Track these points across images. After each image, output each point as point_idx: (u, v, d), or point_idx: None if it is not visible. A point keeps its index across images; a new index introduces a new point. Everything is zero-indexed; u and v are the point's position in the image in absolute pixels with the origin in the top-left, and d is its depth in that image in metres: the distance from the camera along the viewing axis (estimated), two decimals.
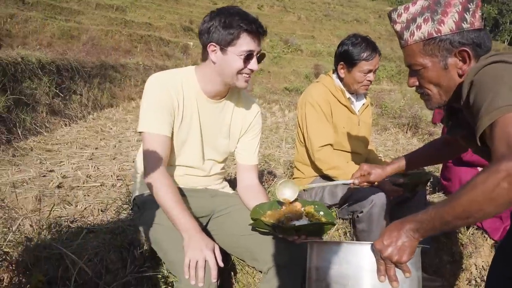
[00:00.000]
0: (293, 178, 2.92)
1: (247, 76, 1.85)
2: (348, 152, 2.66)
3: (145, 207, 2.00)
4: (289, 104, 11.78)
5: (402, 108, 10.78)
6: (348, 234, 2.68)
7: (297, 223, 1.73)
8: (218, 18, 1.78)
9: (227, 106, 2.06)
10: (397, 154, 6.13)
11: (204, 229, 2.06)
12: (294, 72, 26.04)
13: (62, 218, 2.69)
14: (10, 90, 5.61)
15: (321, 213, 1.81)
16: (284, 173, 4.17)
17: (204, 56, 1.88)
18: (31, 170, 4.04)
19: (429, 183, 3.51)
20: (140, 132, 1.90)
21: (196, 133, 2.00)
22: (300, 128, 2.70)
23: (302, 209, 1.80)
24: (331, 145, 2.56)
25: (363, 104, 2.75)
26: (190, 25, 24.98)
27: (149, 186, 1.82)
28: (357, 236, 2.47)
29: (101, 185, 3.69)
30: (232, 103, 2.08)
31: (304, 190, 2.77)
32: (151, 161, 1.83)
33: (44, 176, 3.95)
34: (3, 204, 3.22)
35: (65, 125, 6.52)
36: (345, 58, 2.51)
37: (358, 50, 2.44)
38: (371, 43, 2.47)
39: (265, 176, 4.05)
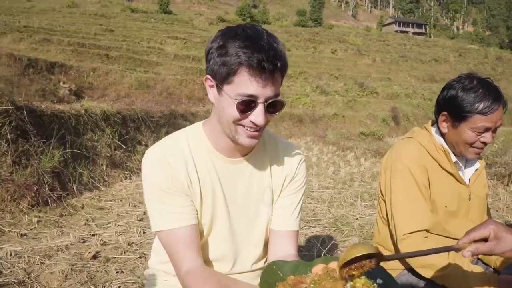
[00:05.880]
0: None
1: (252, 131, 1.23)
2: (453, 238, 1.85)
3: None
4: (365, 151, 10.83)
5: (495, 154, 9.42)
6: None
7: None
8: (218, 40, 1.21)
9: (260, 161, 1.44)
10: (499, 214, 5.05)
11: None
12: (370, 115, 25.06)
13: None
14: (69, 143, 5.43)
15: (379, 281, 1.04)
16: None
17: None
18: (72, 234, 3.64)
19: None
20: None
21: (223, 211, 1.39)
22: (383, 200, 1.95)
23: (344, 272, 1.00)
24: (426, 230, 1.77)
25: (476, 170, 1.94)
26: None
27: None
28: None
29: (139, 257, 3.16)
30: (265, 154, 1.45)
31: None
32: (180, 264, 1.29)
33: (83, 241, 3.53)
34: (27, 279, 2.80)
35: (125, 178, 6.24)
36: (451, 106, 1.75)
37: (471, 98, 1.68)
38: (492, 90, 1.70)
39: (332, 245, 3.29)
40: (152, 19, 44.42)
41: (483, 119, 1.66)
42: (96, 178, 5.66)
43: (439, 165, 1.82)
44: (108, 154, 6.32)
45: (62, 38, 22.07)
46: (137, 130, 7.92)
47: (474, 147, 1.73)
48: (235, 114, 1.20)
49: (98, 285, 2.67)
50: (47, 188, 4.59)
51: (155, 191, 1.32)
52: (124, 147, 6.91)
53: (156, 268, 1.54)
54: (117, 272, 2.88)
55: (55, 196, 4.62)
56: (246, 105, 1.18)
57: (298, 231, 1.49)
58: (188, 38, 34.32)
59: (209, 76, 1.25)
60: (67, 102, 9.63)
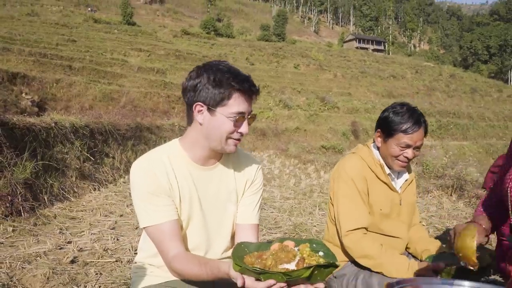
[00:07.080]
0: None
1: (237, 140, 1.65)
2: (386, 235, 2.28)
3: None
4: (325, 164, 11.36)
5: (445, 166, 10.16)
6: None
7: (288, 266, 1.36)
8: (207, 75, 1.59)
9: (226, 168, 1.82)
10: (441, 221, 5.59)
11: None
12: (331, 129, 25.87)
13: None
14: (40, 155, 5.59)
15: (320, 253, 1.43)
16: None
17: (190, 118, 1.68)
18: (48, 241, 3.85)
19: None
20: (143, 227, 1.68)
21: (197, 209, 1.75)
22: (332, 204, 2.37)
23: (296, 249, 1.41)
24: (365, 228, 2.20)
25: (406, 180, 2.39)
26: None
27: (178, 274, 1.65)
28: None
29: (116, 261, 3.43)
30: (230, 163, 1.84)
31: (334, 277, 2.39)
32: (166, 251, 1.62)
33: (60, 248, 3.75)
34: (10, 282, 3.02)
35: (94, 189, 6.42)
36: (383, 125, 2.21)
37: (398, 119, 2.13)
38: (415, 115, 2.15)
39: None
40: (115, 30, 44.15)
41: (405, 137, 2.12)
42: (66, 189, 5.83)
43: (376, 176, 2.25)
44: (77, 166, 6.49)
45: (23, 48, 21.66)
46: (105, 143, 8.09)
47: (398, 160, 2.18)
48: (230, 128, 1.59)
49: (80, 286, 2.92)
50: (20, 199, 4.76)
51: (143, 195, 1.65)
52: (93, 159, 7.08)
53: (142, 262, 1.85)
54: (97, 274, 3.14)
55: (28, 206, 4.78)
56: (239, 120, 1.59)
57: (258, 224, 1.87)
58: (152, 50, 34.36)
59: (199, 103, 1.60)
60: (32, 114, 9.66)
